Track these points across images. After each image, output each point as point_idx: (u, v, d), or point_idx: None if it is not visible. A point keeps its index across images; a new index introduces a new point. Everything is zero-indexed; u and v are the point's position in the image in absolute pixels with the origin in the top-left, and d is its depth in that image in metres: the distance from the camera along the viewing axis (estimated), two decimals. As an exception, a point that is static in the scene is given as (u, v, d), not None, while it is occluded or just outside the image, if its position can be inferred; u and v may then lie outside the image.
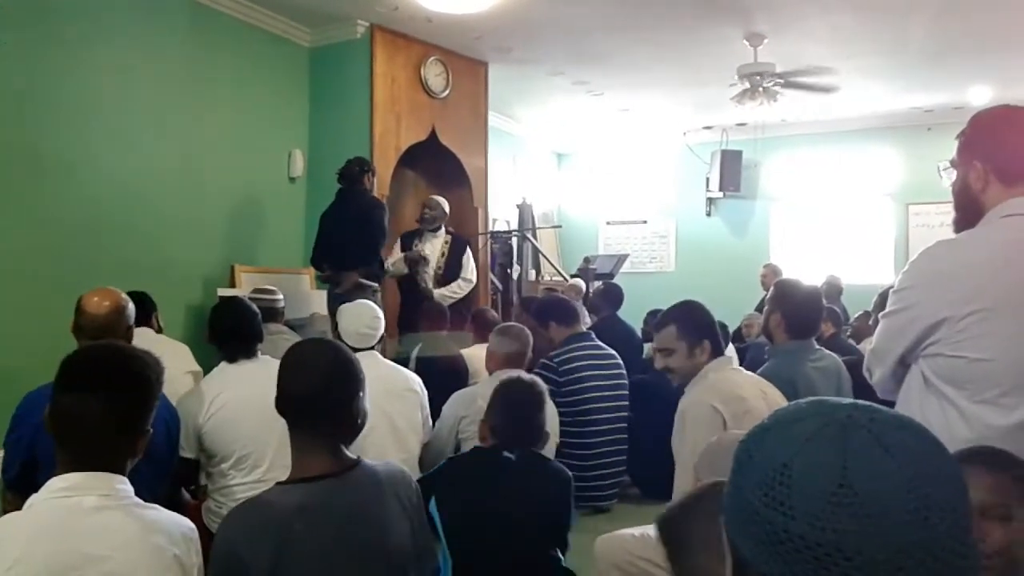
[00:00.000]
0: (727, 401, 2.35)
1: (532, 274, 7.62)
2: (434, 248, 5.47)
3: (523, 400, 2.43)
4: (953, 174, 1.82)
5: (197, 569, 1.50)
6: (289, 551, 1.53)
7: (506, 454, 2.27)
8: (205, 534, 2.63)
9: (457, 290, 5.44)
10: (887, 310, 1.81)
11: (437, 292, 5.31)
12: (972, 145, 1.78)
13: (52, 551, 1.34)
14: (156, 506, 1.53)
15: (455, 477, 2.30)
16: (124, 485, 1.48)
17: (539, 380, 2.59)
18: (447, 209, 5.65)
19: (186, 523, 1.55)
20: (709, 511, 1.38)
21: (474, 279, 5.66)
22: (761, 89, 6.27)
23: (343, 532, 1.61)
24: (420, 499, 1.79)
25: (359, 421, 1.72)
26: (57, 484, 1.44)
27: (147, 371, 1.57)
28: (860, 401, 0.67)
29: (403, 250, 5.48)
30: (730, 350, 4.88)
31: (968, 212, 1.77)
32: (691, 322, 2.57)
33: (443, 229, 5.59)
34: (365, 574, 1.63)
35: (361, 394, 1.73)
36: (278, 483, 1.68)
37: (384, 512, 1.68)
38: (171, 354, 3.35)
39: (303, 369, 1.71)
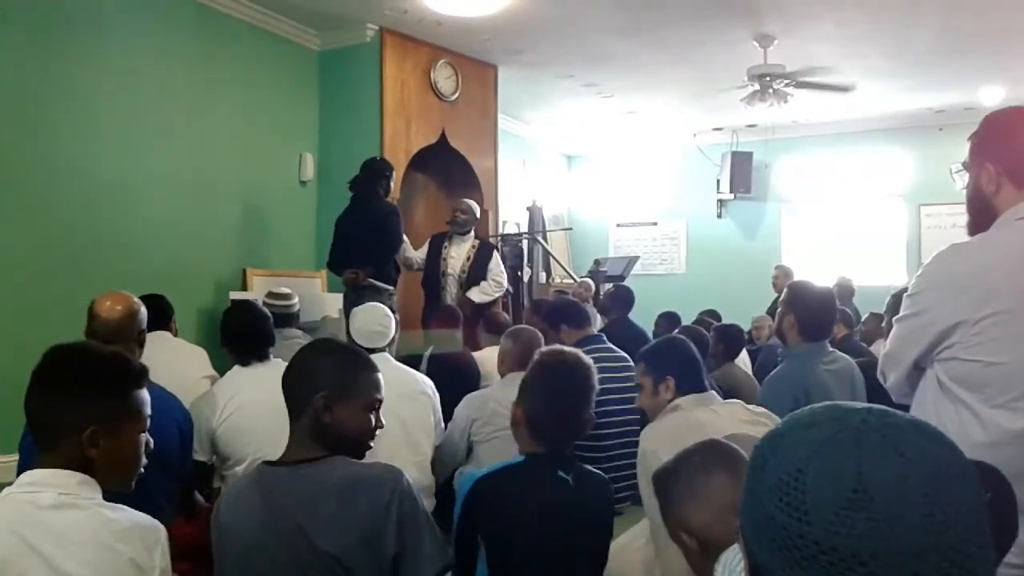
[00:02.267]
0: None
1: (543, 277, 7.62)
2: (460, 252, 5.45)
3: (569, 391, 2.01)
4: (966, 176, 1.81)
5: (159, 571, 1.47)
6: (228, 529, 1.69)
7: (561, 474, 1.91)
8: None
9: (488, 291, 5.42)
10: (901, 314, 1.80)
11: (473, 292, 5.30)
12: (984, 147, 1.77)
13: (4, 544, 1.36)
14: (121, 507, 1.50)
15: (501, 495, 1.91)
16: (87, 485, 1.47)
17: (587, 361, 2.11)
18: (478, 213, 5.64)
19: (150, 525, 1.50)
20: (696, 463, 1.41)
21: (504, 282, 5.60)
22: (771, 90, 6.25)
23: (267, 519, 1.63)
24: (412, 503, 1.68)
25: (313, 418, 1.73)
26: (24, 478, 1.46)
27: (110, 370, 1.57)
28: (874, 406, 0.67)
29: (431, 253, 5.47)
30: (743, 354, 4.88)
31: (981, 215, 1.76)
32: (656, 358, 2.52)
33: (472, 233, 5.57)
34: (285, 567, 1.62)
35: (322, 394, 1.72)
36: (263, 462, 1.76)
37: (313, 512, 1.63)
38: (188, 358, 3.37)
39: (296, 367, 1.78)
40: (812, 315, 2.85)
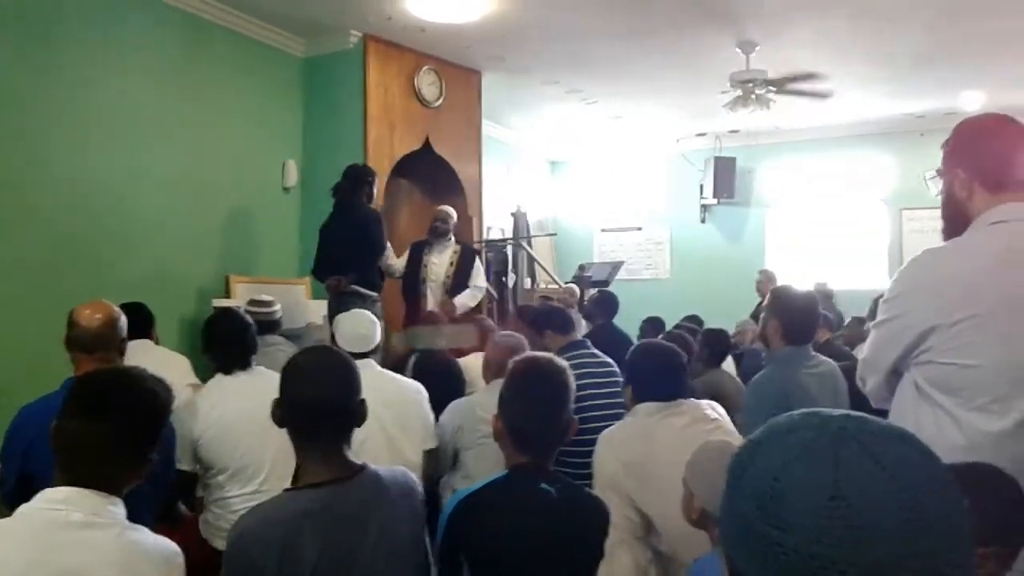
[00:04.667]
0: (628, 462, 2.34)
1: (528, 282, 7.62)
2: (443, 259, 5.45)
3: (546, 397, 1.95)
4: (940, 183, 1.83)
5: None
6: (294, 556, 1.57)
7: (544, 487, 1.85)
8: (203, 546, 2.64)
9: (471, 300, 5.43)
10: (878, 319, 1.82)
11: (456, 301, 5.30)
12: (955, 154, 1.80)
13: (29, 560, 1.35)
14: (144, 528, 1.52)
15: (484, 515, 1.86)
16: (116, 507, 1.49)
17: (560, 363, 2.05)
18: (455, 220, 5.65)
19: (171, 548, 1.54)
20: None
21: (484, 286, 5.65)
22: (754, 96, 6.29)
23: (349, 536, 1.63)
24: (423, 508, 1.79)
25: (360, 423, 1.76)
26: (48, 495, 1.45)
27: (156, 401, 1.59)
28: (852, 412, 0.68)
29: (411, 260, 5.48)
30: (728, 359, 4.89)
31: (955, 220, 1.78)
32: (625, 366, 2.66)
33: (453, 240, 5.58)
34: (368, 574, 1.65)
35: (362, 397, 1.76)
36: (285, 489, 1.70)
37: (390, 515, 1.70)
38: (170, 366, 3.34)
39: (308, 379, 1.73)
40: (795, 319, 2.86)
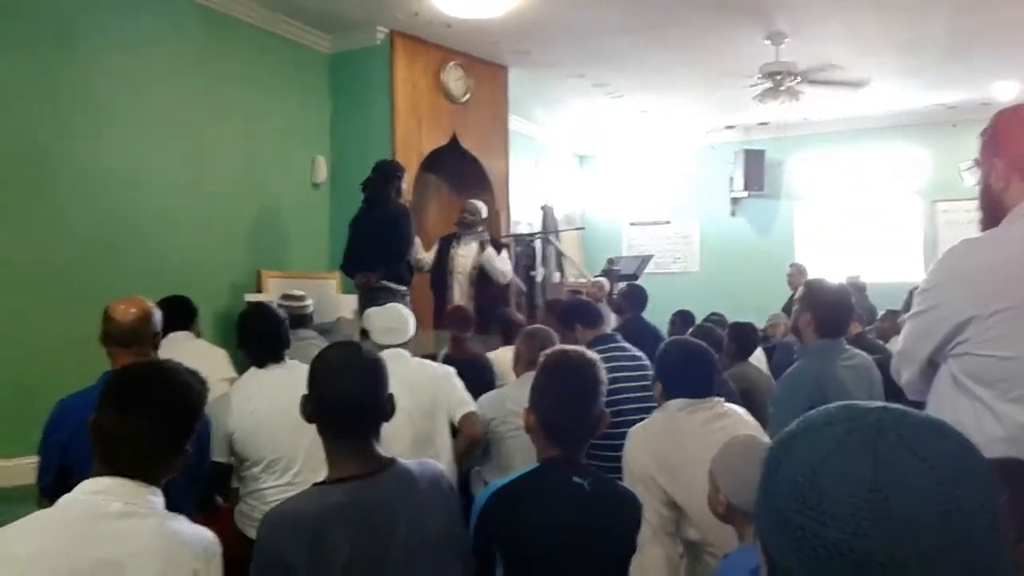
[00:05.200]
0: (659, 457, 2.33)
1: (556, 276, 7.61)
2: (469, 251, 5.48)
3: (578, 390, 1.93)
4: (976, 174, 1.81)
5: None
6: (325, 549, 1.58)
7: (576, 480, 1.85)
8: (238, 537, 2.67)
9: (499, 261, 5.50)
10: (913, 311, 1.80)
11: (487, 253, 5.41)
12: (993, 144, 1.77)
13: (67, 550, 1.36)
14: (183, 518, 1.54)
15: (516, 507, 1.84)
16: (155, 497, 1.51)
17: (592, 357, 2.03)
18: (485, 213, 5.66)
19: (210, 538, 1.56)
20: None
21: (509, 274, 5.66)
22: (783, 88, 6.23)
23: (379, 529, 1.64)
24: (457, 502, 1.80)
25: (388, 418, 1.77)
26: (88, 486, 1.48)
27: (191, 394, 1.61)
28: (890, 404, 0.67)
29: (439, 253, 5.51)
30: (759, 352, 4.86)
31: (992, 211, 1.76)
32: (656, 361, 2.64)
33: (480, 232, 5.59)
34: (403, 570, 1.65)
35: (390, 392, 1.77)
36: (315, 484, 1.71)
37: (420, 508, 1.71)
38: (207, 359, 3.38)
39: (336, 375, 1.73)
40: (828, 312, 2.83)
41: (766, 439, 1.95)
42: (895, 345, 4.11)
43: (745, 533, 1.87)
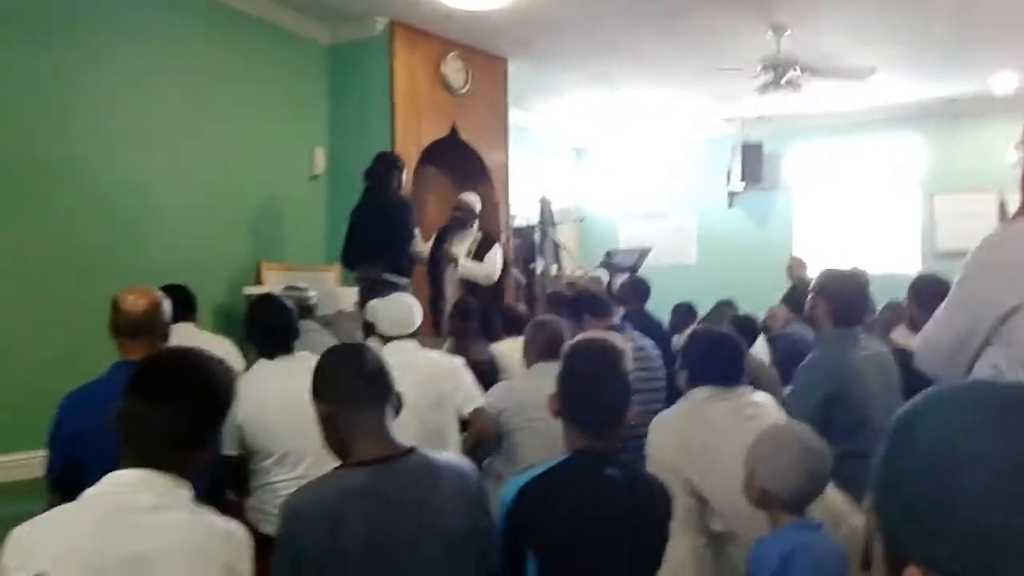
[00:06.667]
0: (684, 447, 2.29)
1: (554, 269, 7.58)
2: (463, 247, 5.45)
3: (607, 374, 1.89)
4: (1020, 156, 1.78)
5: None
6: (343, 531, 1.57)
7: (609, 472, 1.81)
8: (251, 532, 2.63)
9: (473, 268, 5.41)
10: (949, 298, 1.78)
11: (463, 266, 5.35)
12: None
13: (98, 545, 1.33)
14: (211, 510, 1.51)
15: (549, 500, 1.80)
16: (186, 490, 1.47)
17: (620, 346, 1.99)
18: (478, 208, 5.62)
19: (242, 532, 1.53)
20: None
21: (490, 271, 5.51)
22: (784, 80, 6.22)
23: (396, 514, 1.62)
24: (481, 494, 1.77)
25: (396, 413, 1.78)
26: (116, 479, 1.43)
27: (220, 383, 1.57)
28: (1017, 381, 0.64)
29: (437, 244, 5.48)
30: (761, 342, 4.85)
31: None
32: (682, 350, 2.61)
33: (475, 227, 5.56)
34: (419, 555, 1.64)
35: (397, 391, 1.80)
36: (336, 467, 1.71)
37: (439, 496, 1.69)
38: (216, 351, 3.32)
39: (342, 380, 1.76)
40: (844, 301, 2.81)
41: (806, 429, 1.93)
42: (898, 336, 4.10)
43: (779, 519, 1.85)
